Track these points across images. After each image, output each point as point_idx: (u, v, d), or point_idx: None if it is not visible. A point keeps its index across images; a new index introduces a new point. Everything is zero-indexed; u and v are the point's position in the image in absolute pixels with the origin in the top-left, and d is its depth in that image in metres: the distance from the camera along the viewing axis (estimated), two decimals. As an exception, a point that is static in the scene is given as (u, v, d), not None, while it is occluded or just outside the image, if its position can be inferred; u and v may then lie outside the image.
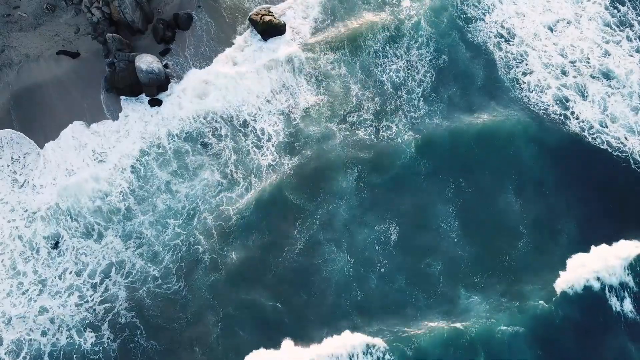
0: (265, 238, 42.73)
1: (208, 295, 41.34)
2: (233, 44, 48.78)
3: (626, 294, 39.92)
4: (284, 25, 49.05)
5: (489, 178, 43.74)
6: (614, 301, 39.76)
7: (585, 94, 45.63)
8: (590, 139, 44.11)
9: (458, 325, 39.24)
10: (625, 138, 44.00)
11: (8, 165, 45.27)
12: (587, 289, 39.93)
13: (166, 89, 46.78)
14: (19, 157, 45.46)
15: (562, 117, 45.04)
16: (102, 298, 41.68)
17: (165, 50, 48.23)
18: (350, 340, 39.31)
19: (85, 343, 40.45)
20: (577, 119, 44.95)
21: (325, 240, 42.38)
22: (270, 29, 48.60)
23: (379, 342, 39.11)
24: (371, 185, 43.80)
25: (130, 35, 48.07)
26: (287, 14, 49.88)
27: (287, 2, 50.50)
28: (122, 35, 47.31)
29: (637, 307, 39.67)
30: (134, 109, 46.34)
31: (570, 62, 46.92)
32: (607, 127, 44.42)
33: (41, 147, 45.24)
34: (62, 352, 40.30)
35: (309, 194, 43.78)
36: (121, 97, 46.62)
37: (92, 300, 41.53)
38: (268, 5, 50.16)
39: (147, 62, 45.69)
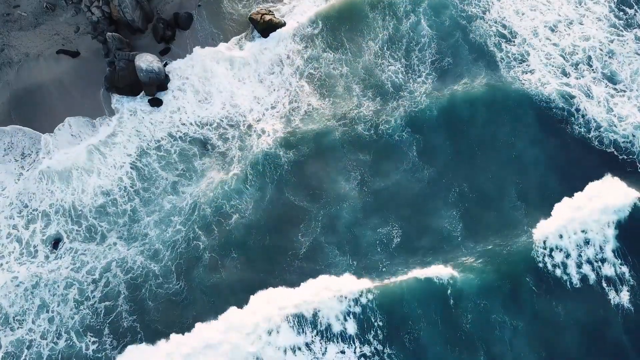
0: (265, 238, 42.50)
1: (209, 298, 41.02)
2: (233, 43, 48.67)
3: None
4: (285, 24, 48.96)
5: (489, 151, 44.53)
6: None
7: (590, 95, 45.51)
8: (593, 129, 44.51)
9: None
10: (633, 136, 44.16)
11: (17, 160, 44.96)
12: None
13: (166, 88, 46.68)
14: (31, 152, 45.03)
15: (566, 114, 44.97)
16: (102, 294, 41.27)
17: (165, 50, 48.15)
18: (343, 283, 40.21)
19: (87, 349, 39.81)
20: (584, 116, 44.94)
21: (327, 243, 42.19)
22: (270, 29, 48.50)
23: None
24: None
25: (130, 34, 47.98)
26: (288, 12, 49.82)
27: (288, 1, 50.50)
28: (122, 34, 47.23)
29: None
30: (134, 109, 46.17)
31: (574, 63, 46.80)
32: (615, 126, 44.52)
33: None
34: (60, 355, 39.72)
35: (309, 193, 43.70)
36: (121, 96, 46.47)
37: (93, 298, 41.10)
38: (269, 5, 50.15)
39: (147, 61, 45.59)
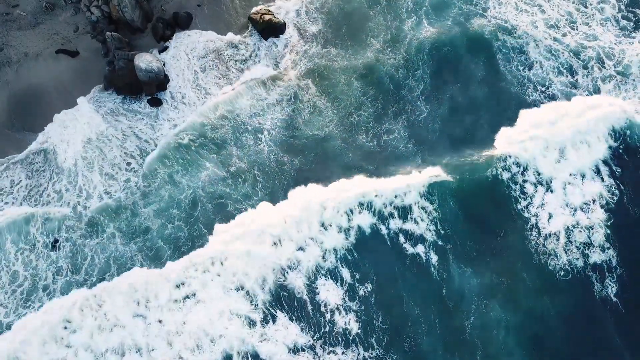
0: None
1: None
2: (233, 43, 48.58)
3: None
4: (284, 24, 48.95)
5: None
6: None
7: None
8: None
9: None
10: None
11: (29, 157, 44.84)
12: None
13: (165, 88, 46.57)
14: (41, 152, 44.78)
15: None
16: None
17: (165, 49, 48.00)
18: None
19: None
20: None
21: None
22: (270, 28, 48.46)
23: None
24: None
25: (129, 34, 47.88)
26: (288, 12, 49.81)
27: (288, 1, 50.48)
28: (122, 34, 47.13)
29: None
30: (134, 108, 46.07)
31: (581, 62, 46.87)
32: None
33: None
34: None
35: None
36: (120, 95, 46.36)
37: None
38: (268, 4, 50.13)
39: (146, 60, 45.49)
